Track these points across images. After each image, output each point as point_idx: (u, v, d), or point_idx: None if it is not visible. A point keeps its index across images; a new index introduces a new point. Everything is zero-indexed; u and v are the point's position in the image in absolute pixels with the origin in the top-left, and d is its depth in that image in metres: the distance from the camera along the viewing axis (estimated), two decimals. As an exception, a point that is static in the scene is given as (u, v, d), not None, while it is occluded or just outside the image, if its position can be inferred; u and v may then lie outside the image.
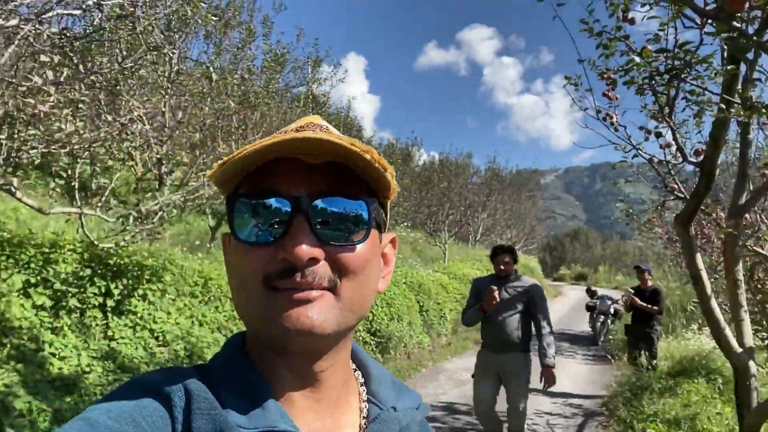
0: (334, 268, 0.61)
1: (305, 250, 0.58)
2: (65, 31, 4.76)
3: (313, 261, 0.59)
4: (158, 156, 5.77)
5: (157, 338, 5.53)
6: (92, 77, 5.43)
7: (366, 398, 0.72)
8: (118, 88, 5.86)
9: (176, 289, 6.18)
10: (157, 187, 7.01)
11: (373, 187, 0.65)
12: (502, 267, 4.53)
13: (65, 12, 4.86)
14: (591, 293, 13.55)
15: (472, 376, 4.64)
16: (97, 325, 5.14)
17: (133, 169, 7.85)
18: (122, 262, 5.62)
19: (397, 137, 28.86)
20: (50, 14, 4.85)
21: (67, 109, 4.40)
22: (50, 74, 4.32)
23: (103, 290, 5.31)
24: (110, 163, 4.80)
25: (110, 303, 5.32)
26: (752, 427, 3.37)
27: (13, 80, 4.35)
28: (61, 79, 4.47)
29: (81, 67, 4.86)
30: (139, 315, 5.52)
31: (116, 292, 5.39)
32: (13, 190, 4.10)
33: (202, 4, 5.71)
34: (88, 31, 5.24)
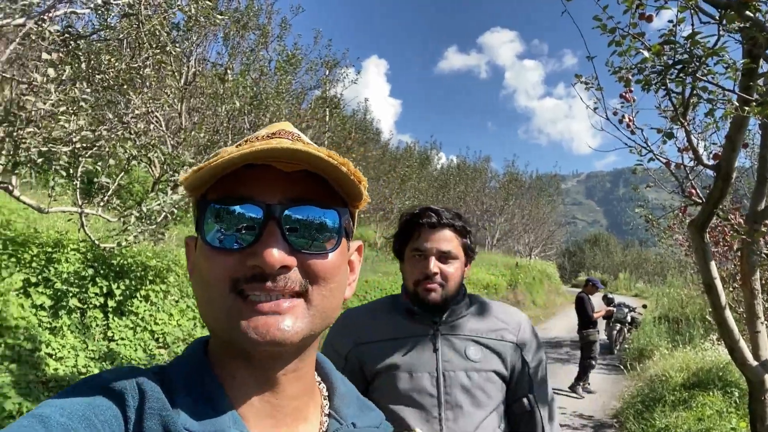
0: (305, 275, 0.61)
1: (277, 257, 0.58)
2: (69, 29, 4.73)
3: (285, 269, 0.59)
4: (164, 156, 5.73)
5: (157, 340, 5.47)
6: (98, 76, 5.43)
7: (328, 412, 0.72)
8: (125, 87, 5.84)
9: (180, 291, 6.13)
10: (171, 188, 6.99)
11: (345, 197, 0.66)
12: (430, 273, 1.70)
13: (71, 11, 4.85)
14: (608, 301, 13.27)
15: None
16: (97, 325, 5.10)
17: (150, 169, 7.86)
18: (125, 262, 5.59)
19: (416, 140, 28.67)
20: (57, 13, 4.85)
21: (67, 107, 4.36)
22: (52, 72, 4.28)
23: (104, 290, 5.28)
24: (111, 162, 4.73)
25: (111, 303, 5.28)
26: (769, 447, 3.16)
27: (13, 77, 4.35)
28: (63, 77, 4.44)
29: (84, 65, 4.84)
30: (140, 316, 5.48)
31: (118, 292, 5.35)
32: (11, 188, 4.07)
33: (207, 2, 5.65)
34: (93, 29, 5.21)
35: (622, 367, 10.08)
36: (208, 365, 0.64)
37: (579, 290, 9.87)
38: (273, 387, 0.64)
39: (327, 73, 11.94)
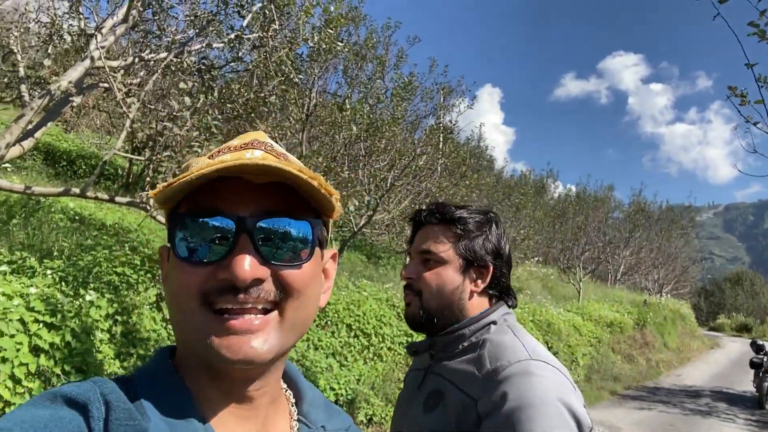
0: (278, 287, 0.61)
1: (248, 270, 0.57)
2: (204, 61, 5.09)
3: (258, 281, 0.59)
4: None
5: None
6: (229, 105, 5.79)
7: (297, 418, 0.73)
8: (252, 115, 6.17)
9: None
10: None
11: (318, 208, 0.66)
12: (404, 278, 1.39)
13: (206, 44, 5.23)
14: (757, 348, 11.73)
15: None
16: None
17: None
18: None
19: (530, 168, 27.80)
20: (195, 47, 5.25)
21: (200, 133, 4.65)
22: (188, 101, 4.60)
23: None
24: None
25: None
26: None
27: (156, 107, 4.75)
28: (198, 106, 4.76)
29: (217, 94, 5.17)
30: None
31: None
32: (149, 208, 4.38)
33: (329, 31, 5.84)
34: (226, 61, 5.57)
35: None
36: (177, 377, 0.64)
37: (718, 334, 8.75)
38: (242, 400, 0.64)
39: (442, 99, 11.93)
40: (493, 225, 1.35)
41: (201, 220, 0.60)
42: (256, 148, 0.65)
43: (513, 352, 1.15)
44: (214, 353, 0.58)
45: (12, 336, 3.26)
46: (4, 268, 3.88)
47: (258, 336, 0.59)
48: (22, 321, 3.37)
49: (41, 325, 3.45)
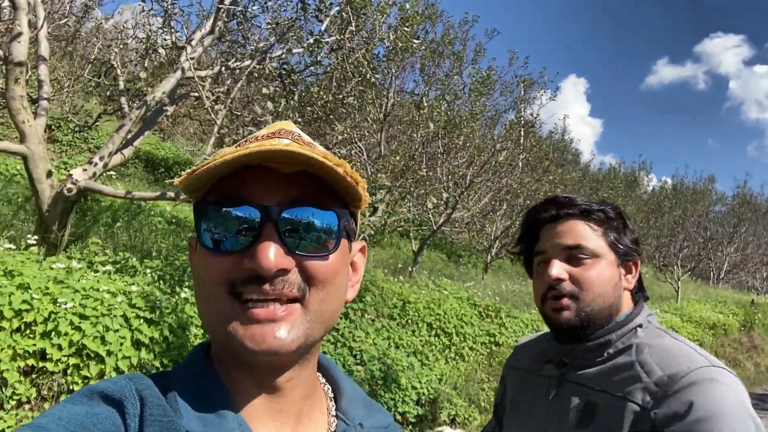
0: (304, 278, 0.60)
1: (273, 260, 0.57)
2: (284, 66, 5.26)
3: (283, 271, 0.58)
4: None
5: (355, 356, 5.65)
6: (308, 108, 5.95)
7: (335, 414, 0.72)
8: (331, 117, 6.31)
9: (376, 310, 6.30)
10: (372, 212, 7.35)
11: (345, 198, 0.65)
12: (552, 279, 1.19)
13: (287, 49, 5.40)
14: None
15: None
16: (303, 338, 5.47)
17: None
18: (328, 280, 5.94)
19: (620, 161, 26.37)
20: (276, 54, 5.44)
21: (282, 136, 4.80)
22: (270, 105, 4.78)
23: (310, 306, 5.66)
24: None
25: (315, 318, 5.63)
26: None
27: (242, 113, 4.96)
28: (279, 110, 4.93)
29: (297, 98, 5.33)
30: (340, 332, 5.73)
31: (321, 308, 5.69)
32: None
33: (405, 29, 5.84)
34: (305, 65, 5.73)
35: None
36: (211, 370, 0.64)
37: None
38: (274, 392, 0.64)
39: (523, 92, 11.60)
40: (625, 215, 1.25)
41: (226, 209, 0.60)
42: (283, 137, 0.64)
43: (688, 358, 1.06)
44: (237, 343, 0.58)
45: (116, 331, 3.51)
46: (109, 267, 4.20)
47: (281, 326, 0.58)
48: (125, 317, 3.63)
49: (142, 320, 3.70)
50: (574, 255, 1.17)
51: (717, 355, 12.91)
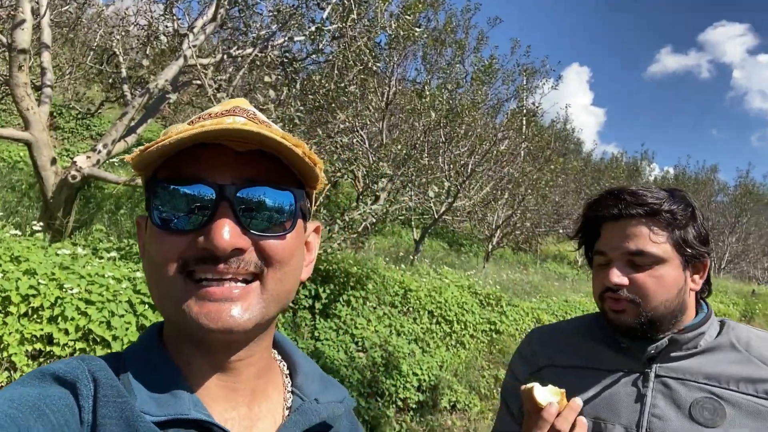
0: (260, 257, 0.60)
1: (228, 240, 0.56)
2: (286, 54, 5.26)
3: (238, 251, 0.58)
4: (365, 168, 6.06)
5: (356, 343, 5.71)
6: (310, 96, 5.95)
7: (291, 390, 0.72)
8: (333, 106, 6.31)
9: (377, 298, 6.34)
10: (374, 200, 7.38)
11: (301, 178, 0.64)
12: (614, 280, 1.15)
13: (288, 37, 5.39)
14: None
15: None
16: (306, 324, 5.51)
17: (354, 183, 8.45)
18: (330, 268, 5.97)
19: (622, 150, 26.29)
20: (278, 41, 5.44)
21: (284, 125, 4.81)
22: (272, 93, 4.78)
23: (313, 293, 5.69)
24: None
25: (318, 306, 5.66)
26: None
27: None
28: (281, 98, 4.94)
29: (299, 86, 5.33)
30: (342, 319, 5.78)
31: (324, 295, 5.72)
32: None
33: (407, 17, 5.82)
34: (307, 53, 5.72)
35: None
36: (164, 350, 0.64)
37: None
38: (229, 371, 0.63)
39: (524, 81, 11.56)
40: (697, 210, 1.19)
41: (180, 188, 0.58)
42: (238, 115, 0.62)
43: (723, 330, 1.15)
44: (192, 321, 0.57)
45: (121, 316, 3.56)
46: (114, 254, 4.24)
47: (238, 304, 0.58)
48: (130, 302, 3.68)
49: (147, 306, 3.74)
50: (636, 260, 1.12)
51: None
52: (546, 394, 0.99)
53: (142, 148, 0.58)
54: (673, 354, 1.13)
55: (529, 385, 1.00)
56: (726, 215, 22.83)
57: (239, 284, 0.58)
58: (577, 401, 0.97)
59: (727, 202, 24.36)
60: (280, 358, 0.76)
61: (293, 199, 0.62)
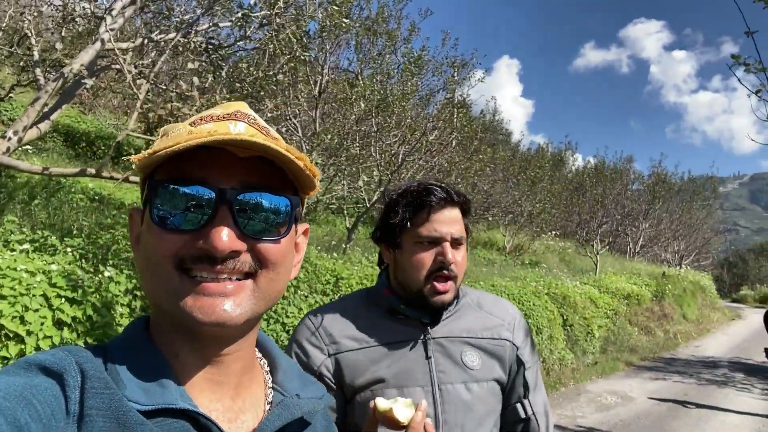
0: (255, 259, 0.63)
1: (226, 242, 0.59)
2: (211, 41, 5.16)
3: (235, 253, 0.61)
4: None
5: (287, 332, 5.73)
6: (237, 84, 5.86)
7: (271, 386, 0.75)
8: (261, 94, 6.25)
9: (309, 286, 6.39)
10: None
11: (297, 186, 0.67)
12: (442, 258, 1.36)
13: (213, 24, 5.28)
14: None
15: None
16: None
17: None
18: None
19: (549, 141, 27.42)
20: (202, 27, 5.32)
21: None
22: (196, 80, 4.69)
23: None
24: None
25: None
26: None
27: (166, 87, 4.84)
28: (206, 85, 4.85)
29: (225, 74, 5.25)
30: (273, 309, 5.79)
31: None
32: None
33: (335, 7, 5.85)
34: (234, 40, 5.63)
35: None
36: (151, 343, 0.66)
37: (741, 306, 8.67)
38: (215, 364, 0.66)
39: (454, 73, 11.84)
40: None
41: (182, 188, 0.61)
42: (240, 120, 0.65)
43: (505, 303, 1.55)
44: (187, 314, 0.59)
45: (36, 310, 3.43)
46: (27, 246, 4.05)
47: (230, 299, 0.61)
48: (45, 296, 3.54)
49: (63, 300, 3.62)
50: (455, 242, 1.38)
51: (630, 323, 13.94)
52: (404, 411, 1.02)
53: (150, 151, 0.61)
54: (440, 318, 1.40)
55: (386, 407, 1.02)
56: (640, 202, 24.34)
57: (233, 281, 0.61)
58: (424, 404, 1.06)
59: (642, 190, 25.97)
60: (260, 355, 0.79)
61: (289, 205, 0.65)
